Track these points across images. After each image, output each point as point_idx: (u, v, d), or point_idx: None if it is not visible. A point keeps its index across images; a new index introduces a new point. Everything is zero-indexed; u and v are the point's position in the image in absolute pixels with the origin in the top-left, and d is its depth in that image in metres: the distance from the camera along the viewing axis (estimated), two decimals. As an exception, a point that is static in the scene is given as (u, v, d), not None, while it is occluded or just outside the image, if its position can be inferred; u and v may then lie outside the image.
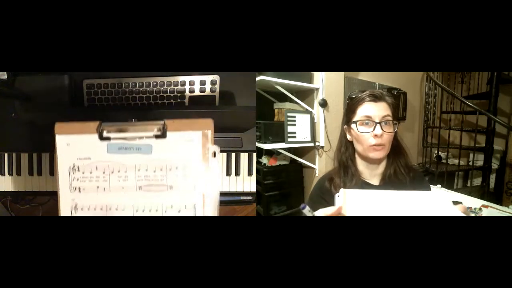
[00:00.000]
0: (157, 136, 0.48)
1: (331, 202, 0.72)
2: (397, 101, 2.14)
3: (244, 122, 0.85)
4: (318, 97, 1.64)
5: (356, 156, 0.74)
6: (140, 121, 0.51)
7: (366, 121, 0.68)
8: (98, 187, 0.49)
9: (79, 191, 0.49)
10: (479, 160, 2.16)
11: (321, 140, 1.65)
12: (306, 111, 1.66)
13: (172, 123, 0.49)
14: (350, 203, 0.50)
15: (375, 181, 0.73)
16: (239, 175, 0.89)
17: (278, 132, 1.53)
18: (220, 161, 0.50)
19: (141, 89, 0.90)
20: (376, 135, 0.66)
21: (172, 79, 0.90)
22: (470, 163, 2.28)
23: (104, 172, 0.49)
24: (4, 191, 0.91)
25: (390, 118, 0.68)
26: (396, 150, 0.72)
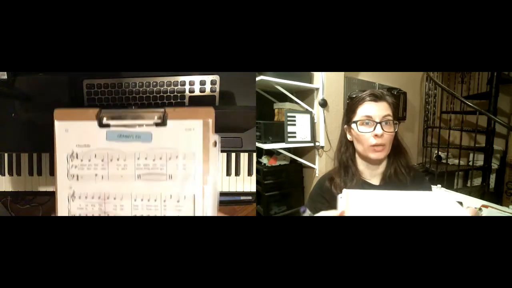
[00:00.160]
0: (157, 124, 0.48)
1: (331, 202, 0.73)
2: (397, 101, 2.14)
3: (244, 122, 0.85)
4: (318, 97, 1.64)
5: (356, 156, 0.74)
6: (140, 108, 0.50)
7: (367, 121, 0.68)
8: (96, 175, 0.49)
9: (77, 178, 0.49)
10: (479, 160, 2.16)
11: (321, 140, 1.65)
12: (306, 111, 1.66)
13: (172, 111, 0.48)
14: (353, 203, 0.50)
15: (376, 181, 0.73)
16: (239, 175, 0.89)
17: (278, 132, 1.52)
18: (219, 149, 0.49)
19: (141, 89, 0.90)
20: (376, 135, 0.66)
21: (172, 79, 0.90)
22: (470, 163, 2.28)
23: (103, 160, 0.48)
24: (4, 191, 0.91)
25: (390, 118, 0.68)
26: (396, 150, 0.72)
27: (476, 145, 2.06)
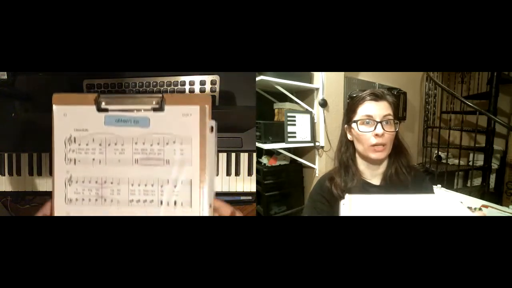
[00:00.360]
0: (155, 109, 0.48)
1: (331, 201, 0.73)
2: (398, 101, 2.14)
3: (244, 122, 0.85)
4: (318, 97, 1.64)
5: (357, 155, 0.74)
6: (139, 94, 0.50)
7: (367, 120, 0.67)
8: (94, 159, 0.48)
9: (74, 163, 0.48)
10: (479, 160, 2.16)
11: (321, 140, 1.65)
12: (306, 111, 1.66)
13: (170, 97, 0.48)
14: (356, 209, 0.49)
15: (376, 181, 0.73)
16: (239, 175, 0.89)
17: (278, 132, 1.52)
18: (216, 134, 0.49)
19: (141, 89, 0.90)
20: (377, 135, 0.66)
21: (172, 79, 0.90)
22: (470, 163, 2.28)
23: (100, 145, 0.48)
24: (4, 191, 0.91)
25: (391, 117, 0.67)
26: (397, 150, 0.72)
27: (476, 145, 2.06)
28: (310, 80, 1.65)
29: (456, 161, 2.31)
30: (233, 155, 0.88)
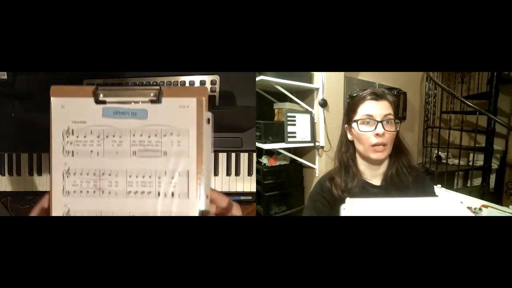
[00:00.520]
0: (152, 101, 0.48)
1: (331, 202, 0.73)
2: (398, 101, 2.14)
3: (244, 122, 0.85)
4: (318, 97, 1.64)
5: (357, 156, 0.73)
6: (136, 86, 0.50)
7: (368, 120, 0.67)
8: (91, 151, 0.48)
9: (72, 155, 0.49)
10: (479, 160, 2.16)
11: (321, 140, 1.65)
12: (306, 111, 1.66)
13: (167, 89, 0.48)
14: (357, 213, 0.49)
15: (377, 181, 0.72)
16: (239, 175, 0.89)
17: (278, 132, 1.52)
18: (213, 126, 0.49)
19: (141, 89, 0.90)
20: (377, 134, 0.65)
21: (172, 79, 0.90)
22: (470, 163, 2.28)
23: (98, 137, 0.48)
24: (4, 191, 0.91)
25: (392, 116, 0.67)
26: (398, 150, 0.71)
27: (476, 145, 2.06)
28: (310, 80, 1.65)
29: (456, 161, 2.30)
30: (233, 155, 0.88)
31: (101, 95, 0.48)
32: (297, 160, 1.71)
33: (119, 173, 0.48)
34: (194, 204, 0.48)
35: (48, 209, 0.48)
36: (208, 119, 0.48)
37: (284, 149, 1.57)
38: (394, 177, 0.70)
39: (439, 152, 2.40)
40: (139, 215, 0.48)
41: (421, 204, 0.52)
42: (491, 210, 1.15)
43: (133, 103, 0.48)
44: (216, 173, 0.89)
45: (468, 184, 2.32)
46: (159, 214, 0.48)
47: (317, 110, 1.66)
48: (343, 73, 1.75)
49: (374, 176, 0.72)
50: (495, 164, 2.23)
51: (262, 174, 1.63)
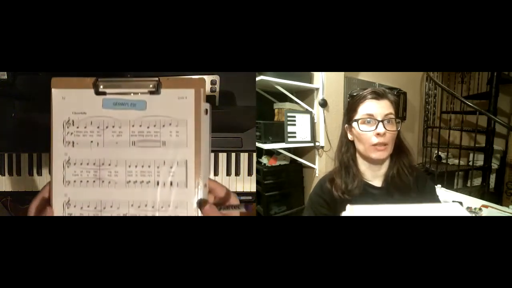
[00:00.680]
0: (151, 92, 0.49)
1: (331, 204, 0.72)
2: (398, 100, 2.14)
3: (244, 122, 0.85)
4: (318, 97, 1.64)
5: (358, 156, 0.73)
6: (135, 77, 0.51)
7: (368, 119, 0.66)
8: (92, 142, 0.49)
9: (73, 145, 0.49)
10: (479, 160, 2.16)
11: (321, 140, 1.65)
12: (306, 111, 1.66)
13: (166, 80, 0.49)
14: None
15: (378, 182, 0.72)
16: (239, 175, 0.89)
17: (278, 132, 1.53)
18: (211, 117, 0.50)
19: (141, 89, 0.90)
20: (378, 134, 0.65)
21: (172, 79, 0.90)
22: (470, 163, 2.28)
23: (98, 127, 0.49)
24: (4, 191, 0.91)
25: (392, 116, 0.66)
26: (399, 150, 0.70)
27: (476, 145, 2.06)
28: (310, 80, 1.65)
29: (456, 161, 2.31)
30: (233, 155, 0.88)
31: (101, 87, 0.49)
32: (297, 160, 1.71)
33: (118, 163, 0.49)
34: (192, 193, 0.48)
35: (49, 198, 0.49)
36: (206, 110, 0.49)
37: (284, 149, 1.57)
38: (395, 177, 0.69)
39: (439, 152, 2.40)
40: (138, 204, 0.49)
41: (423, 211, 0.51)
42: (491, 210, 1.15)
43: (132, 94, 0.49)
44: (216, 173, 0.89)
45: (468, 184, 2.32)
46: (158, 203, 0.48)
47: (317, 110, 1.66)
48: (343, 73, 1.75)
49: (374, 177, 0.72)
50: (495, 164, 2.23)
51: (262, 174, 1.63)
